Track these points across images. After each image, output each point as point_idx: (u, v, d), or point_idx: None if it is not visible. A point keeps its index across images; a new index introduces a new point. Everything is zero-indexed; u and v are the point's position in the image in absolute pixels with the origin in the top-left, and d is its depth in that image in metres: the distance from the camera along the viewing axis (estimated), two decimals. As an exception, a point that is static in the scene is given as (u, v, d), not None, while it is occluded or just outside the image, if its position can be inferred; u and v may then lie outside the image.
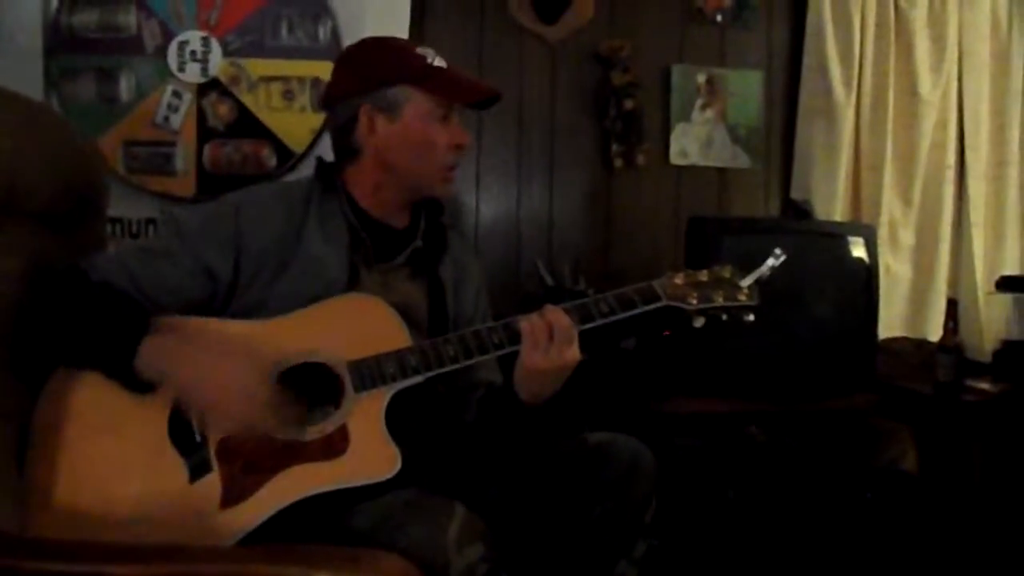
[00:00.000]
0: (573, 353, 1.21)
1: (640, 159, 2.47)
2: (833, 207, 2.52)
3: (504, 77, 2.46)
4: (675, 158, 2.54)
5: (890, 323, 2.57)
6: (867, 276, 2.19)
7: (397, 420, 1.18)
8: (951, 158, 2.63)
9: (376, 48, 1.35)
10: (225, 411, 1.11)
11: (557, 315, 1.21)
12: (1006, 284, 2.34)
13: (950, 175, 2.63)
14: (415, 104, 1.29)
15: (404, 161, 1.32)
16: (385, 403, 1.17)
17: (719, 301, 1.28)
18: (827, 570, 1.73)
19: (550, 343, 1.19)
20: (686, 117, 2.54)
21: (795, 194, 2.54)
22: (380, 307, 1.24)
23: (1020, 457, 2.46)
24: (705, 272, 1.31)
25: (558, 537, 1.32)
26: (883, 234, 2.56)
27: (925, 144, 2.61)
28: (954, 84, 2.63)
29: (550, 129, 2.48)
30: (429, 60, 1.32)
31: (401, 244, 1.36)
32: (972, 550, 2.23)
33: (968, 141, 2.63)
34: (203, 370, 1.11)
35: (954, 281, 2.66)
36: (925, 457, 2.28)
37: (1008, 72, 2.65)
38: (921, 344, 2.46)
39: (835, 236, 2.24)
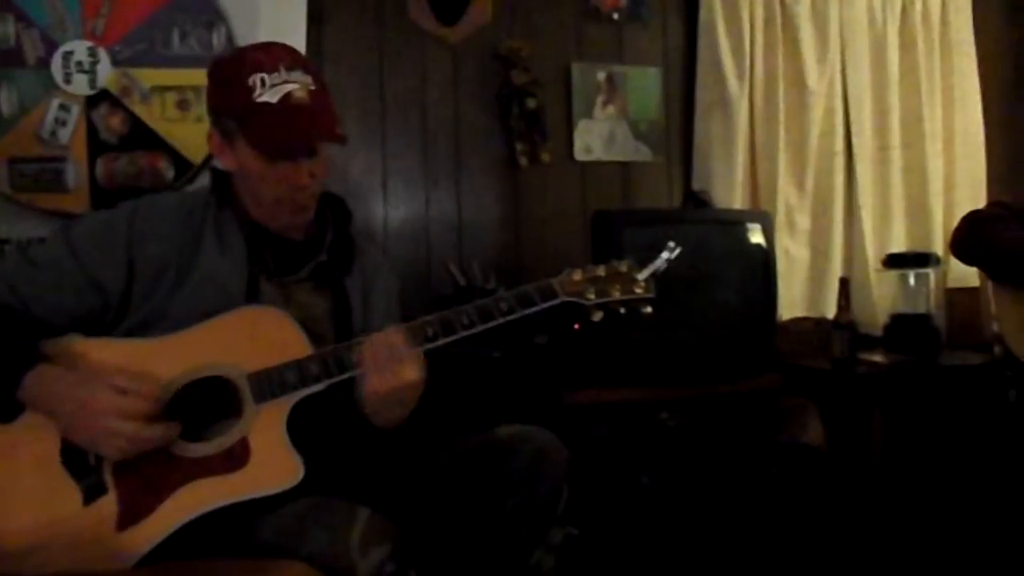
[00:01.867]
0: (409, 373, 1.17)
1: (545, 157, 2.51)
2: (732, 196, 2.62)
3: (406, 79, 2.46)
4: (579, 154, 2.59)
5: (791, 304, 2.69)
6: (765, 260, 2.28)
7: (302, 428, 1.18)
8: (839, 144, 2.76)
9: (217, 72, 1.27)
10: (102, 447, 1.09)
11: (388, 336, 1.18)
12: (892, 261, 2.48)
13: (839, 161, 2.77)
14: (241, 139, 1.23)
15: (245, 189, 1.29)
16: (286, 413, 1.16)
17: (616, 295, 1.31)
18: (739, 544, 1.80)
19: (386, 364, 1.16)
20: (588, 114, 2.60)
21: (696, 185, 2.62)
22: (279, 318, 1.23)
23: (914, 422, 2.61)
24: (603, 267, 1.34)
25: (472, 531, 1.33)
26: (780, 219, 2.68)
27: (815, 132, 2.73)
28: (838, 75, 2.77)
29: (455, 130, 2.50)
30: (257, 93, 1.19)
31: (304, 257, 1.34)
32: (874, 514, 2.36)
33: (853, 128, 2.77)
34: (74, 407, 1.09)
35: (848, 261, 2.79)
36: (831, 430, 2.39)
37: (885, 62, 2.80)
38: (820, 322, 2.58)
39: (734, 224, 2.33)
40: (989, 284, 2.04)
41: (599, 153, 2.61)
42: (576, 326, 1.41)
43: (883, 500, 2.49)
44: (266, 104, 1.19)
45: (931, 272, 2.45)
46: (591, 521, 1.83)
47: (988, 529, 2.31)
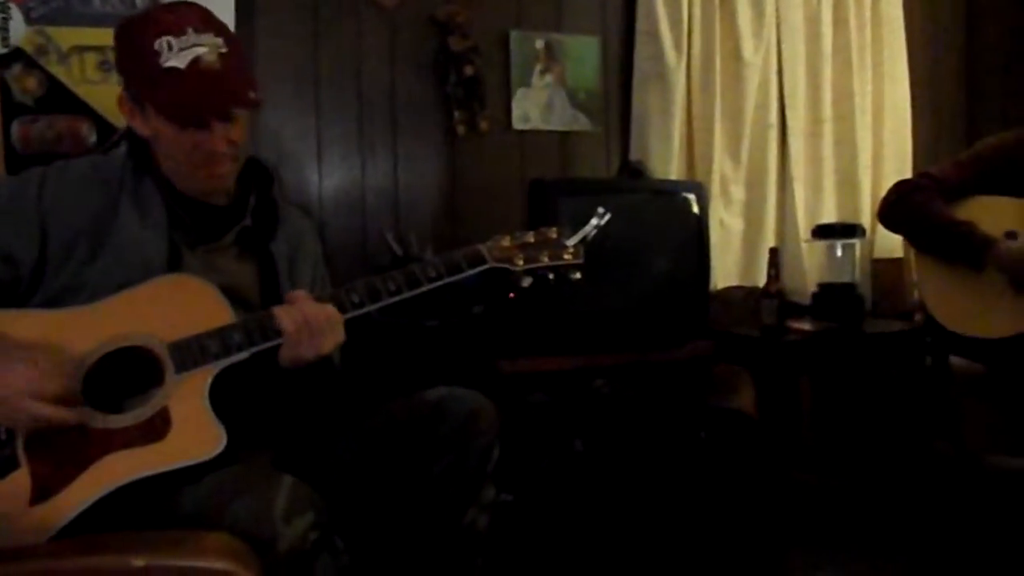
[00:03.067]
0: (330, 343, 1.19)
1: (483, 125, 2.49)
2: (669, 166, 2.64)
3: (341, 45, 2.40)
4: (517, 123, 2.58)
5: (726, 274, 2.75)
6: (699, 230, 2.32)
7: (228, 397, 1.16)
8: (773, 117, 2.81)
9: (124, 35, 1.22)
10: (14, 423, 1.06)
11: (304, 309, 1.18)
12: (820, 232, 2.54)
13: (773, 133, 2.81)
14: (150, 106, 1.19)
15: (159, 155, 1.26)
16: (208, 382, 1.14)
17: (545, 261, 1.32)
18: (670, 507, 1.84)
19: (310, 336, 1.17)
20: (526, 82, 2.58)
21: (634, 155, 2.64)
22: (200, 286, 1.21)
23: (840, 387, 2.71)
24: (532, 233, 1.35)
25: (404, 494, 1.33)
26: (716, 190, 2.72)
27: (750, 105, 2.77)
28: (774, 48, 2.81)
29: (391, 97, 2.45)
30: (164, 58, 1.15)
31: (227, 223, 1.31)
32: (801, 473, 2.45)
33: (787, 101, 2.82)
34: None
35: (780, 231, 2.85)
36: (762, 395, 2.46)
37: (819, 36, 2.84)
38: (752, 291, 2.64)
39: (668, 194, 2.36)
40: (912, 252, 2.10)
41: (537, 122, 2.60)
42: (512, 295, 1.41)
43: (811, 461, 2.59)
44: (173, 69, 1.15)
45: (857, 243, 2.53)
46: (526, 487, 1.85)
47: (906, 486, 2.42)
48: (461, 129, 2.48)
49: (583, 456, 1.86)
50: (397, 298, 1.25)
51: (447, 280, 1.29)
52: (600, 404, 2.00)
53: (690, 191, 2.35)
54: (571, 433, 1.91)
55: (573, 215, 1.45)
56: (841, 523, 2.25)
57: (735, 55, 2.75)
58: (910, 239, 2.12)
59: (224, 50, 1.19)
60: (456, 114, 2.48)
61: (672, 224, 2.30)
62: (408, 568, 1.34)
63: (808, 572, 1.94)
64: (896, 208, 2.05)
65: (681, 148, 2.70)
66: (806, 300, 2.61)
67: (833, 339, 2.34)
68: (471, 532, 1.35)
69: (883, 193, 2.21)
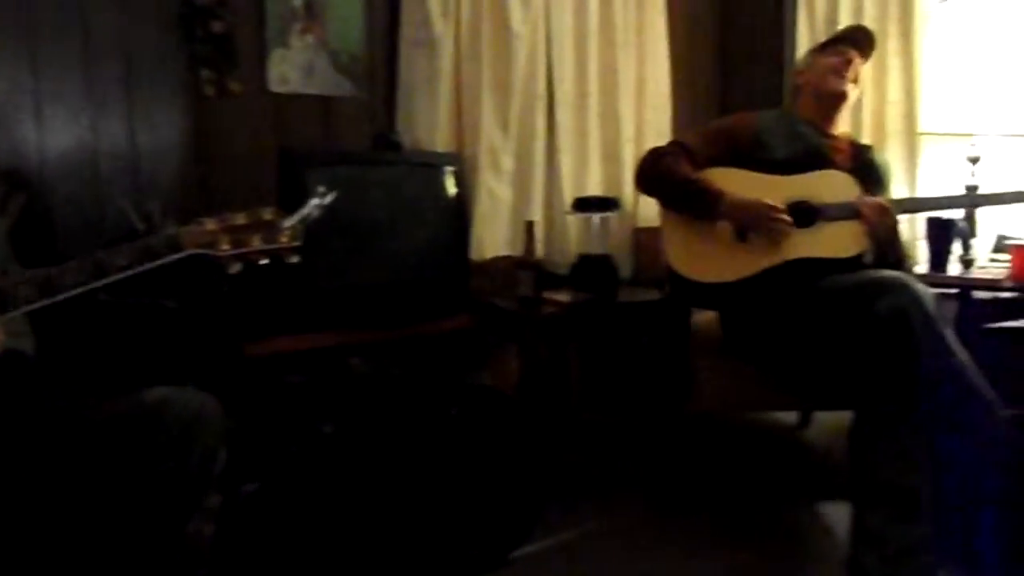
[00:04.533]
0: None
1: (234, 86, 2.32)
2: (436, 136, 2.61)
3: (62, -12, 2.13)
4: (274, 85, 2.42)
5: (494, 244, 2.78)
6: (457, 202, 2.31)
7: None
8: (541, 88, 2.85)
9: None
10: None
11: None
12: (579, 205, 2.64)
13: (541, 105, 2.86)
14: None
15: None
16: None
17: (256, 245, 1.26)
18: (418, 483, 1.84)
19: None
20: (284, 42, 2.43)
21: (400, 123, 2.58)
22: None
23: (601, 356, 2.85)
24: (243, 215, 1.28)
25: (119, 504, 1.23)
26: (485, 160, 2.73)
27: (518, 76, 2.79)
28: (542, 20, 2.84)
29: (125, 53, 2.21)
30: None
31: None
32: (566, 440, 2.56)
33: (555, 73, 2.87)
34: None
35: (548, 202, 2.92)
36: (526, 367, 2.53)
37: (586, 11, 2.92)
38: (519, 262, 2.69)
39: (426, 166, 2.33)
40: (661, 213, 2.21)
41: (297, 85, 2.46)
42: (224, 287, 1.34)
43: (577, 429, 2.71)
44: None
45: (613, 215, 2.64)
46: (272, 474, 1.78)
47: (661, 446, 2.61)
48: (209, 90, 2.29)
49: (331, 438, 1.81)
50: (79, 290, 1.13)
51: (143, 268, 1.18)
52: (354, 383, 1.96)
53: (449, 163, 2.33)
54: (322, 415, 1.86)
55: (328, 187, 1.38)
56: (601, 482, 2.37)
57: (504, 24, 2.74)
58: (659, 198, 2.24)
59: None
60: (204, 73, 2.29)
61: (430, 196, 2.27)
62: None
63: (567, 528, 2.03)
64: (648, 170, 2.18)
65: (449, 117, 2.68)
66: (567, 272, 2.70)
67: (589, 309, 2.44)
68: (194, 542, 1.28)
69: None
